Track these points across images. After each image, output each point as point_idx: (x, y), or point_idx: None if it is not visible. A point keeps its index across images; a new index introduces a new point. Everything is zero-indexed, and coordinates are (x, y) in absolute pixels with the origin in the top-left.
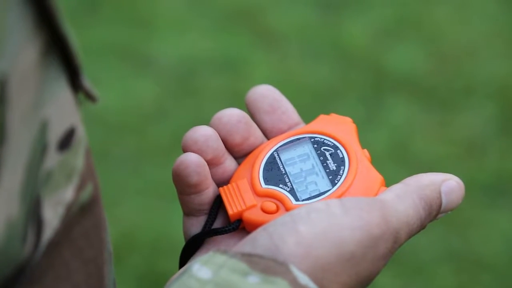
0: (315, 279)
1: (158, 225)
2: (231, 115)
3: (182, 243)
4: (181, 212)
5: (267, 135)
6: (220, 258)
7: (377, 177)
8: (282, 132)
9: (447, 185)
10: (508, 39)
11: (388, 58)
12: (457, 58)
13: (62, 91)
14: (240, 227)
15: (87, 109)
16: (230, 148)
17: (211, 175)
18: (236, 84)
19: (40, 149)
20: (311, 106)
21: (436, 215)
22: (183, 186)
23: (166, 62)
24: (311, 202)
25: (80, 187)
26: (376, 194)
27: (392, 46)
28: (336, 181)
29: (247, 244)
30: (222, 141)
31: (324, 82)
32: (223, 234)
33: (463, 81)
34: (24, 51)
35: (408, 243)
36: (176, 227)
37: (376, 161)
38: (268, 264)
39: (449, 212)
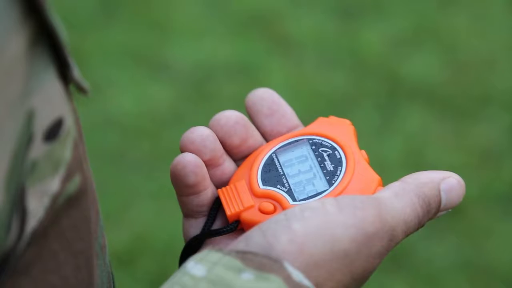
0: (309, 276)
1: (171, 228)
2: (229, 116)
3: None
4: None
5: (267, 138)
6: (214, 256)
7: (374, 177)
8: (281, 134)
9: (447, 182)
10: None
11: (404, 66)
12: (474, 68)
13: (50, 82)
14: (238, 228)
15: (103, 112)
16: (228, 150)
17: (210, 177)
18: (252, 89)
19: (25, 139)
20: (326, 113)
21: (436, 213)
22: (181, 187)
23: (182, 66)
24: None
25: (67, 179)
26: (372, 194)
27: (409, 54)
28: (333, 182)
29: (241, 242)
30: (221, 142)
31: (339, 89)
32: (221, 235)
33: (480, 91)
34: (10, 40)
35: (423, 252)
36: None
37: (390, 169)
38: (262, 261)
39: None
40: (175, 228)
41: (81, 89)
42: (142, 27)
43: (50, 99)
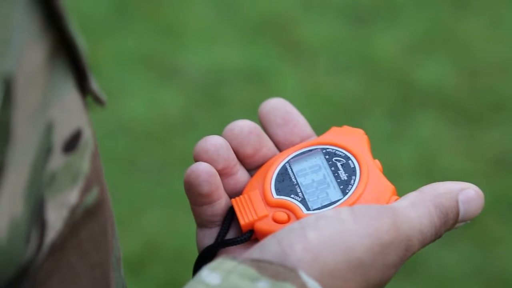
0: (323, 286)
1: (181, 235)
2: (243, 126)
3: None
4: None
5: (280, 148)
6: (229, 264)
7: (388, 186)
8: (294, 144)
9: (465, 194)
10: None
11: (417, 72)
12: (488, 74)
13: (69, 93)
14: (252, 237)
15: (114, 118)
16: (242, 159)
17: (224, 187)
18: (263, 95)
19: (45, 151)
20: (338, 119)
21: (454, 224)
22: (195, 196)
23: (193, 72)
24: (321, 212)
25: (85, 190)
26: (387, 203)
27: (422, 60)
28: (347, 191)
29: (255, 250)
30: (234, 152)
31: (351, 95)
32: (235, 244)
33: (493, 97)
34: (30, 51)
35: (436, 259)
36: None
37: (402, 176)
38: (277, 270)
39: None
40: (186, 234)
41: (98, 100)
42: (154, 33)
43: (69, 111)
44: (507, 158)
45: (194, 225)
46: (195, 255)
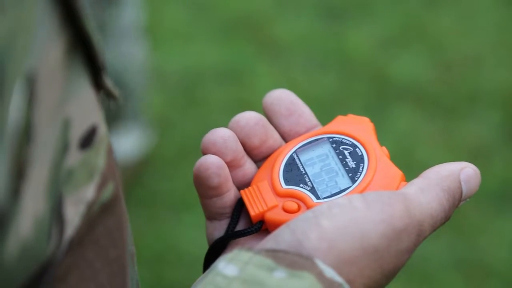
0: (340, 273)
1: (164, 236)
2: (249, 118)
3: (189, 253)
4: (187, 223)
5: (285, 138)
6: (245, 255)
7: (397, 173)
8: (299, 134)
9: (465, 173)
10: None
11: (392, 67)
12: (462, 66)
13: (84, 90)
14: (262, 228)
15: None
16: (249, 151)
17: (232, 178)
18: (241, 94)
19: (62, 147)
20: (316, 115)
21: (458, 203)
22: (205, 189)
23: (170, 72)
24: (332, 199)
25: (101, 186)
26: (396, 189)
27: (397, 55)
28: (356, 178)
29: (270, 240)
30: (241, 143)
31: (328, 91)
32: (246, 235)
33: (468, 90)
34: (50, 48)
35: (418, 252)
36: (183, 238)
37: None
38: (293, 259)
39: (468, 200)
40: (169, 235)
41: (111, 96)
42: None
43: (84, 107)
44: (483, 149)
45: (176, 226)
46: (178, 256)
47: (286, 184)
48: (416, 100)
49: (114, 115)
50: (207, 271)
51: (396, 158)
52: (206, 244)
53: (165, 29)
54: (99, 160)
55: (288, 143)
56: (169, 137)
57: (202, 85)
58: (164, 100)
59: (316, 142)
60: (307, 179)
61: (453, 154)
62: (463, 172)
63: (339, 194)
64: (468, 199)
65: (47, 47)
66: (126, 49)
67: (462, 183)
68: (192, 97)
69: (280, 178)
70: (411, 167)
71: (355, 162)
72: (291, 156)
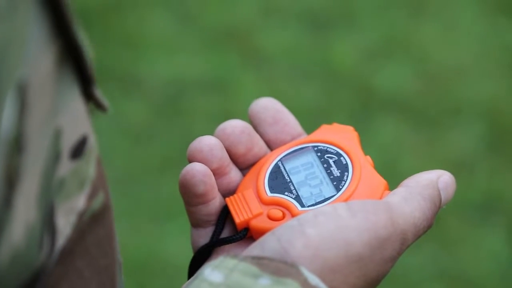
0: (324, 280)
1: (148, 246)
2: (235, 126)
3: (172, 264)
4: (171, 233)
5: (271, 146)
6: (230, 262)
7: (381, 182)
8: (285, 143)
9: (443, 180)
10: (496, 59)
11: (376, 78)
12: (445, 78)
13: (75, 100)
14: (247, 236)
15: None
16: (234, 159)
17: (217, 186)
18: (226, 104)
19: (54, 157)
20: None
21: (438, 211)
22: (190, 196)
23: (155, 83)
24: (316, 208)
25: (92, 196)
26: (380, 198)
27: (381, 66)
28: (340, 187)
29: (255, 248)
30: (227, 151)
31: (312, 102)
32: (231, 243)
33: (452, 101)
34: (42, 58)
35: (400, 263)
36: (167, 248)
37: None
38: (278, 266)
39: (444, 207)
40: (153, 245)
41: (100, 107)
42: (114, 44)
43: (75, 117)
44: (467, 161)
45: (160, 236)
46: (162, 265)
47: (271, 192)
48: (400, 111)
49: None
50: (192, 278)
51: (381, 169)
52: (190, 254)
53: (151, 39)
54: (90, 170)
55: (273, 152)
56: (154, 148)
57: (187, 95)
58: (149, 110)
59: (301, 150)
60: (292, 187)
61: (437, 165)
62: (440, 180)
63: (323, 202)
64: (444, 206)
65: (38, 56)
66: None
67: (441, 191)
68: (177, 107)
69: (265, 186)
70: (395, 178)
71: (339, 170)
72: (276, 164)
